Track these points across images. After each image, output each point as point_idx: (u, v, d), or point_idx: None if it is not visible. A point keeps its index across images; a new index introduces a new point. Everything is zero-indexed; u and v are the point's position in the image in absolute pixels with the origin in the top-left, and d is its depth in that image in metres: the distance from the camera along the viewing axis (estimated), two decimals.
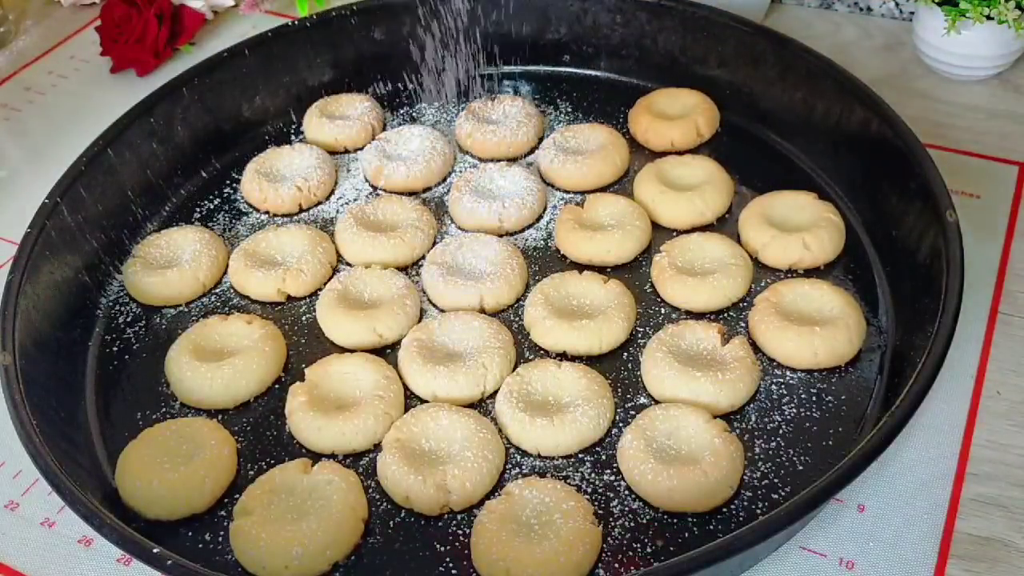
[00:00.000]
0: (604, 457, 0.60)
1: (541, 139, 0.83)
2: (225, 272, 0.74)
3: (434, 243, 0.75)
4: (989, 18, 0.80)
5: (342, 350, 0.67)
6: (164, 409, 0.65)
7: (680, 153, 0.80)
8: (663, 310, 0.68)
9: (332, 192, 0.81)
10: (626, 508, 0.57)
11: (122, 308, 0.72)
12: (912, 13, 0.93)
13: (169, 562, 0.48)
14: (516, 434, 0.60)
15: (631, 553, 0.55)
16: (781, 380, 0.63)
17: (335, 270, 0.74)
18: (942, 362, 0.54)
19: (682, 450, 0.57)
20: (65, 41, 1.06)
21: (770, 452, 0.59)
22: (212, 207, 0.81)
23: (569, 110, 0.87)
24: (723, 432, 0.57)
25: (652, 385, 0.62)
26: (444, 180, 0.81)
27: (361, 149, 0.84)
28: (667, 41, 0.86)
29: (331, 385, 0.63)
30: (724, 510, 0.56)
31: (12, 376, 0.59)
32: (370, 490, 0.59)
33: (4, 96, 0.98)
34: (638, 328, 0.67)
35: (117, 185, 0.77)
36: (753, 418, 0.61)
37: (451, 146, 0.83)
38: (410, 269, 0.73)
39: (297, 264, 0.72)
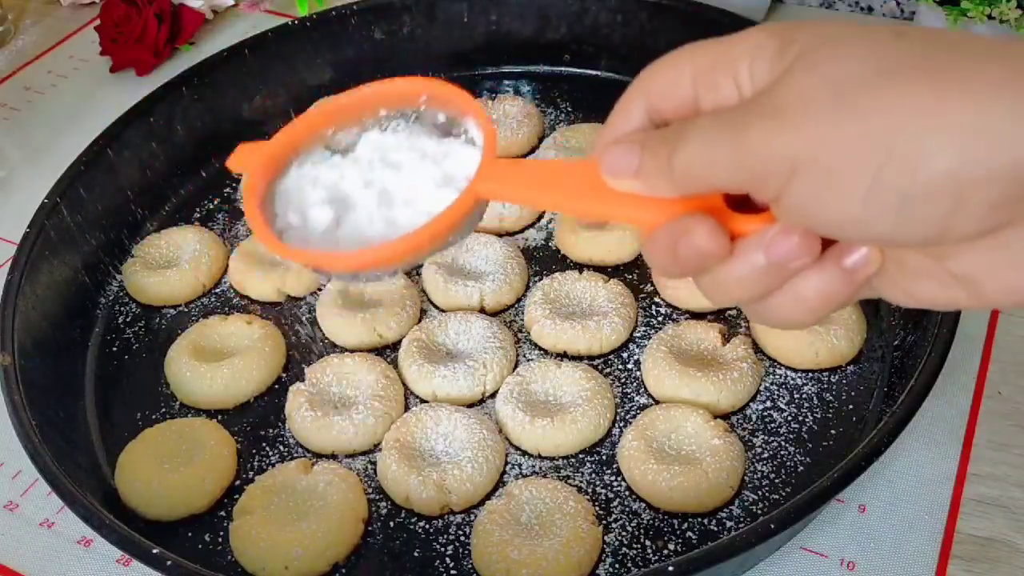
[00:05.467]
0: (604, 457, 0.59)
1: (541, 139, 0.83)
2: (225, 272, 0.74)
3: None
4: (991, 17, 0.80)
5: (342, 350, 0.67)
6: (164, 409, 0.65)
7: None
8: (663, 310, 0.68)
9: None
10: (626, 508, 0.57)
11: (122, 308, 0.72)
12: (913, 12, 0.93)
13: (169, 562, 0.48)
14: (516, 434, 0.60)
15: (631, 553, 0.55)
16: (782, 380, 0.63)
17: None
18: (943, 362, 0.54)
19: (682, 450, 0.57)
20: (64, 40, 1.06)
21: (770, 452, 0.59)
22: (212, 207, 0.81)
23: (569, 110, 0.87)
24: (723, 432, 0.57)
25: (652, 385, 0.62)
26: None
27: None
28: (668, 40, 0.85)
29: (331, 385, 0.63)
30: (724, 510, 0.56)
31: (11, 376, 0.59)
32: (370, 490, 0.59)
33: (3, 96, 0.98)
34: (638, 328, 0.67)
35: (117, 185, 0.76)
36: (754, 418, 0.61)
37: None
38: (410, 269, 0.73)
39: (297, 264, 0.71)
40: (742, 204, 0.32)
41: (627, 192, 0.33)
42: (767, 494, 0.57)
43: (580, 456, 0.60)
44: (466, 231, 0.36)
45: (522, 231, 0.76)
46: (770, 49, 0.31)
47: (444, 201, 0.35)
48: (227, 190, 0.82)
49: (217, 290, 0.73)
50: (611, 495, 0.57)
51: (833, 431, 0.60)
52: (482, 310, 0.68)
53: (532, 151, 0.82)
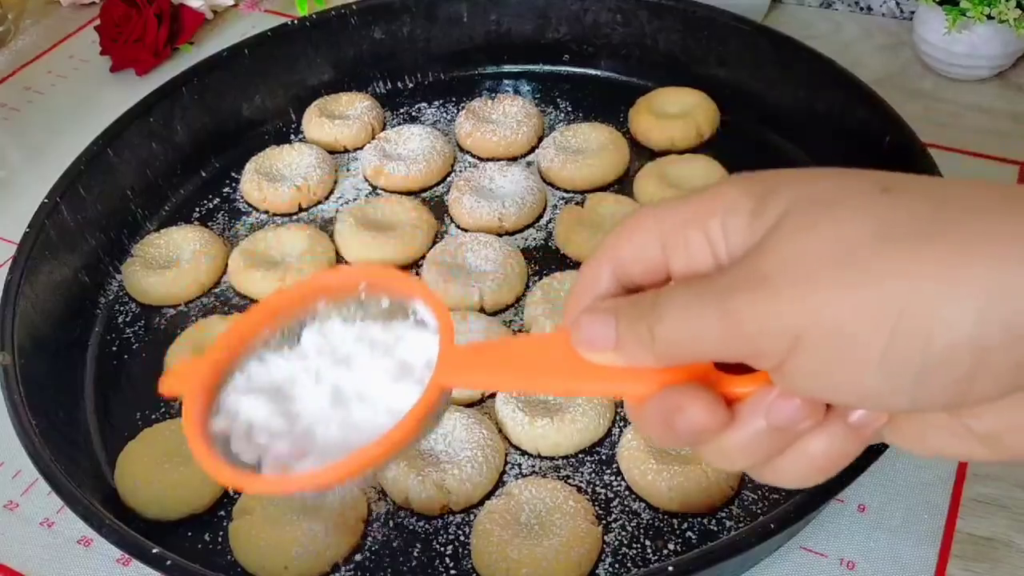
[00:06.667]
0: (604, 457, 0.59)
1: (541, 139, 0.83)
2: (225, 272, 0.74)
3: (434, 243, 0.75)
4: (990, 17, 0.80)
5: None
6: (164, 409, 0.65)
7: (681, 152, 0.80)
8: None
9: (332, 191, 0.81)
10: (626, 508, 0.57)
11: (122, 308, 0.72)
12: (913, 12, 0.93)
13: (168, 562, 0.48)
14: (516, 434, 0.60)
15: (631, 553, 0.55)
16: None
17: None
18: None
19: (683, 450, 0.57)
20: (64, 40, 1.06)
21: None
22: (211, 207, 0.81)
23: (569, 110, 0.87)
24: None
25: None
26: (444, 180, 0.81)
27: (361, 148, 0.84)
28: (667, 40, 0.86)
29: None
30: (724, 510, 0.56)
31: (11, 376, 0.59)
32: (370, 490, 0.59)
33: (3, 96, 0.98)
34: None
35: (117, 185, 0.77)
36: None
37: (451, 146, 0.83)
38: (410, 269, 0.73)
39: (297, 264, 0.71)
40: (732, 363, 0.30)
41: (607, 365, 0.31)
42: (767, 494, 0.57)
43: (580, 456, 0.60)
44: (435, 422, 0.34)
45: (522, 231, 0.76)
46: (745, 207, 0.29)
47: (402, 393, 0.33)
48: (227, 190, 0.82)
49: (217, 290, 0.73)
50: (611, 495, 0.57)
51: None
52: (481, 310, 0.68)
53: (532, 151, 0.82)
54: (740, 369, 0.30)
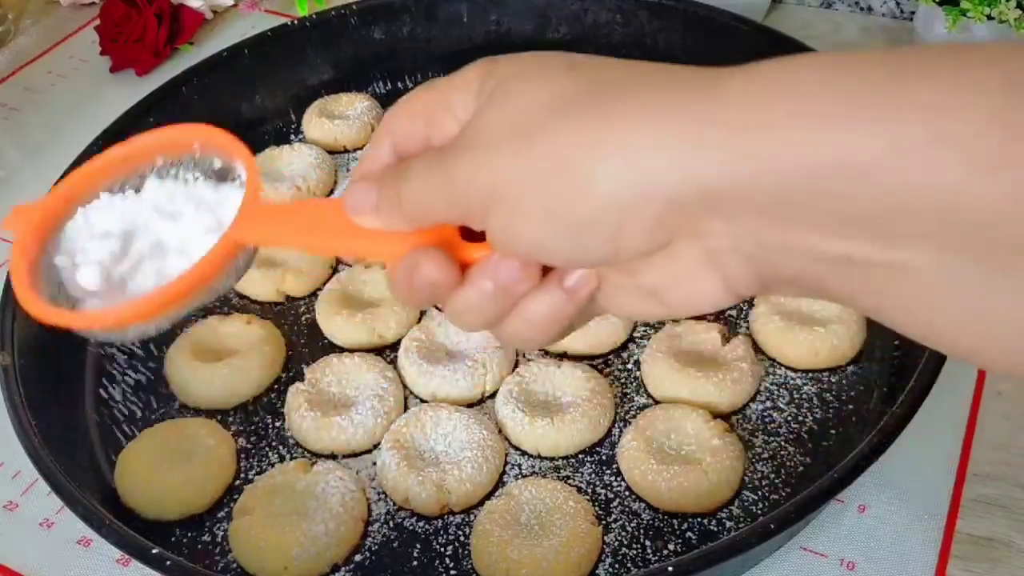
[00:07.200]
0: (604, 457, 0.59)
1: None
2: None
3: None
4: (990, 18, 0.80)
5: (342, 350, 0.67)
6: (164, 409, 0.65)
7: None
8: None
9: (331, 192, 0.81)
10: (626, 508, 0.57)
11: None
12: (913, 12, 0.93)
13: (168, 562, 0.48)
14: (516, 434, 0.60)
15: (631, 553, 0.55)
16: (782, 380, 0.63)
17: (334, 270, 0.74)
18: (943, 361, 0.54)
19: (682, 450, 0.57)
20: (64, 40, 1.06)
21: (770, 452, 0.59)
22: None
23: None
24: (723, 432, 0.57)
25: (652, 385, 0.62)
26: None
27: (361, 149, 0.84)
28: (667, 41, 0.86)
29: (331, 385, 0.63)
30: (724, 510, 0.56)
31: (11, 376, 0.59)
32: (370, 490, 0.59)
33: (3, 95, 0.98)
34: (638, 328, 0.67)
35: None
36: (754, 418, 0.61)
37: None
38: None
39: (296, 264, 0.71)
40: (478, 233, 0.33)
41: (373, 229, 0.34)
42: (767, 494, 0.57)
43: (580, 456, 0.60)
44: (234, 275, 0.37)
45: None
46: (474, 86, 0.32)
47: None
48: None
49: None
50: (611, 495, 0.57)
51: (833, 431, 0.60)
52: None
53: None
54: (482, 242, 0.33)
